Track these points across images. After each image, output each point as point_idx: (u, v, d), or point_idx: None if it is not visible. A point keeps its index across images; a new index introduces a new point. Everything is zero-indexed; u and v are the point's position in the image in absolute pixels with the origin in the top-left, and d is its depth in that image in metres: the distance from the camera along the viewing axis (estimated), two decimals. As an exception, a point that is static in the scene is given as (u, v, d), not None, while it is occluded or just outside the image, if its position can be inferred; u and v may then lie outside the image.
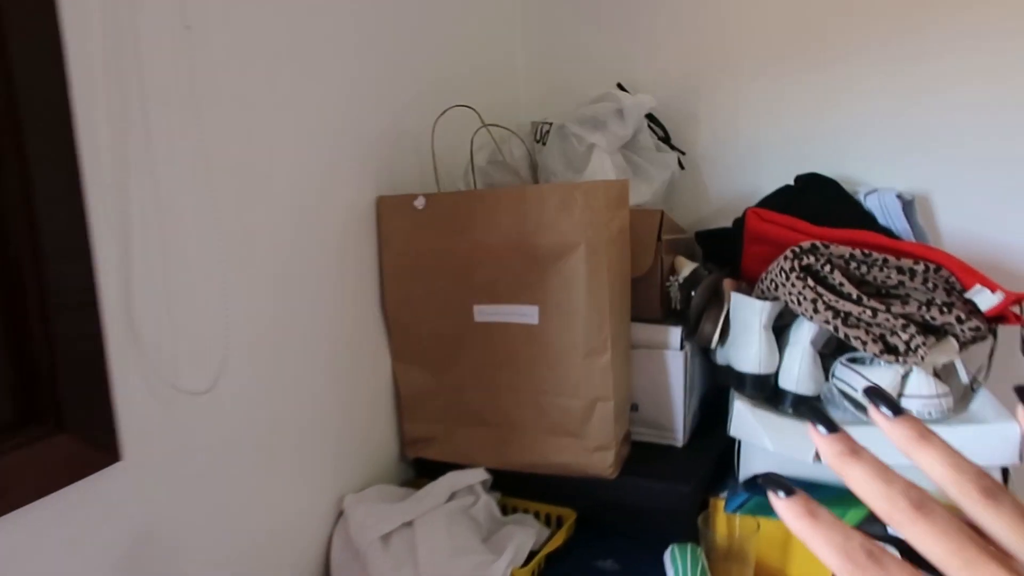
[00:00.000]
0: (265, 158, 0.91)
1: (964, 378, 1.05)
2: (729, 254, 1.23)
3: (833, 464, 0.30)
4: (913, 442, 0.29)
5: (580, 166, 1.17)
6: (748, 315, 1.06)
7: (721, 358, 1.15)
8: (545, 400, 1.07)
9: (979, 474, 0.28)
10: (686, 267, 1.17)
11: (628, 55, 1.40)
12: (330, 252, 1.03)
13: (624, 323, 1.09)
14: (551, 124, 1.20)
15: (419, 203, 1.06)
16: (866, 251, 1.01)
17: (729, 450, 1.09)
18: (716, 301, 1.14)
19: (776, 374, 1.07)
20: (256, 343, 0.91)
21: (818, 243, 1.01)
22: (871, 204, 1.17)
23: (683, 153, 1.36)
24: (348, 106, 1.04)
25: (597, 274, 1.02)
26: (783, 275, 1.01)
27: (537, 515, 1.11)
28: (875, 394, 0.31)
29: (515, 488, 1.12)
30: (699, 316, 1.13)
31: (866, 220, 1.17)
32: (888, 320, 0.97)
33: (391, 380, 1.16)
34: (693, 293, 1.11)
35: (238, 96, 0.86)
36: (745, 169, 1.35)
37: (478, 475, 1.10)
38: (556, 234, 1.02)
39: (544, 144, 1.20)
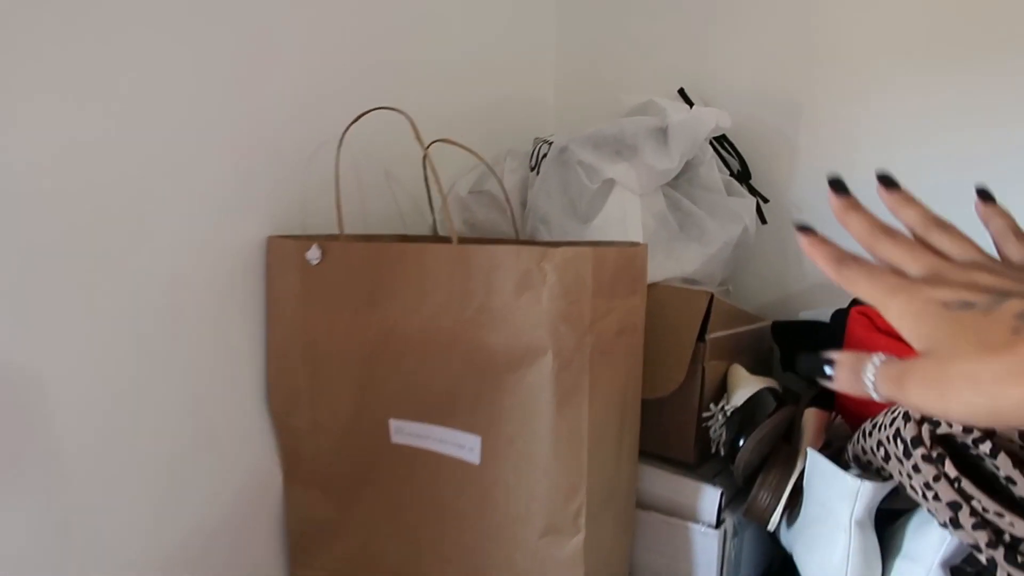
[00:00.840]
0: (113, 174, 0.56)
1: None
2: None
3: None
4: (901, 204, 0.38)
5: (588, 212, 0.76)
6: (831, 495, 0.62)
7: (786, 541, 0.71)
8: (481, 585, 0.67)
9: (936, 217, 0.36)
10: (744, 386, 0.73)
11: (699, 47, 0.96)
12: (202, 317, 0.67)
13: (622, 475, 0.67)
14: (551, 143, 0.79)
15: (312, 255, 0.68)
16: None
17: None
18: (784, 454, 0.70)
19: (873, 601, 0.62)
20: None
21: (973, 396, 0.56)
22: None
23: (766, 200, 0.91)
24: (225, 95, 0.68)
25: (573, 401, 0.61)
26: (900, 445, 0.57)
27: None
28: (884, 178, 0.38)
29: None
30: (752, 475, 0.69)
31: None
32: (1103, 568, 0.50)
33: (282, 504, 0.79)
34: (742, 440, 0.67)
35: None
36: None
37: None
38: (509, 329, 0.61)
39: (537, 173, 0.79)
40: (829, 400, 0.77)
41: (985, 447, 0.54)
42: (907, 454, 0.56)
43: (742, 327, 0.81)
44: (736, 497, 0.72)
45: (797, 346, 0.82)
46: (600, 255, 0.60)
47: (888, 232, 0.35)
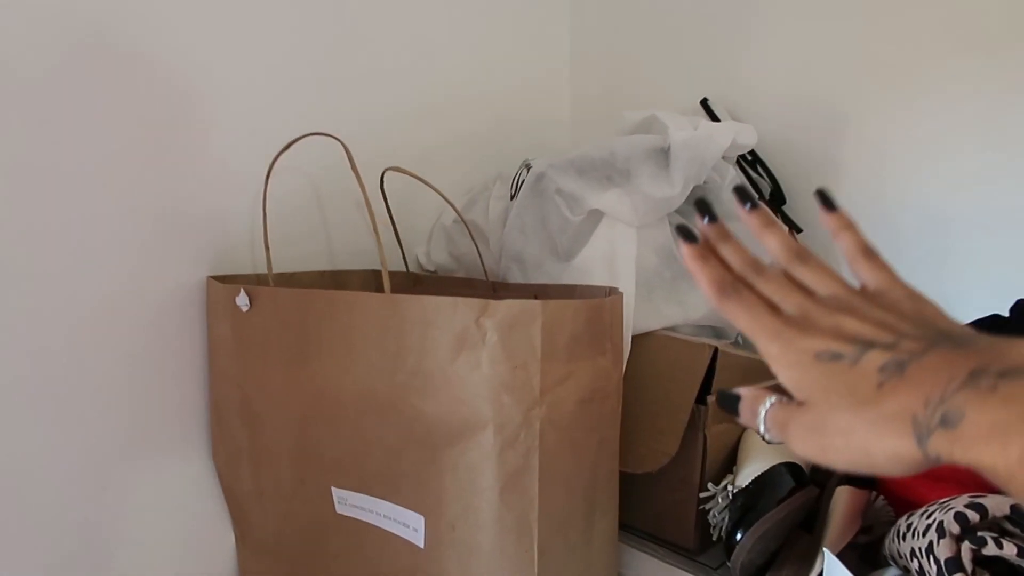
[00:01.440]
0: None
1: None
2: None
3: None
4: (761, 228, 0.37)
5: (570, 249, 0.65)
6: (850, 613, 0.49)
7: (805, 653, 0.58)
8: None
9: (798, 248, 0.36)
10: (755, 460, 0.61)
11: (729, 52, 0.84)
12: (140, 364, 0.61)
13: (594, 566, 0.56)
14: (529, 167, 0.68)
15: (241, 301, 0.60)
16: None
17: None
18: (800, 547, 0.57)
19: None
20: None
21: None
22: None
23: (799, 230, 0.78)
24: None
25: (519, 485, 0.50)
26: (932, 563, 0.43)
27: None
28: (739, 192, 0.37)
29: None
30: (757, 573, 0.57)
31: None
32: None
33: (237, 569, 0.71)
34: (739, 534, 0.55)
35: None
36: (923, 266, 0.74)
37: None
38: (445, 397, 0.52)
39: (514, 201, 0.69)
40: (868, 476, 0.63)
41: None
42: (940, 569, 0.42)
43: (762, 383, 0.68)
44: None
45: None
46: (555, 310, 0.50)
47: (758, 267, 0.36)
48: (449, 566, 0.54)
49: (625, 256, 0.64)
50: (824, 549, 0.52)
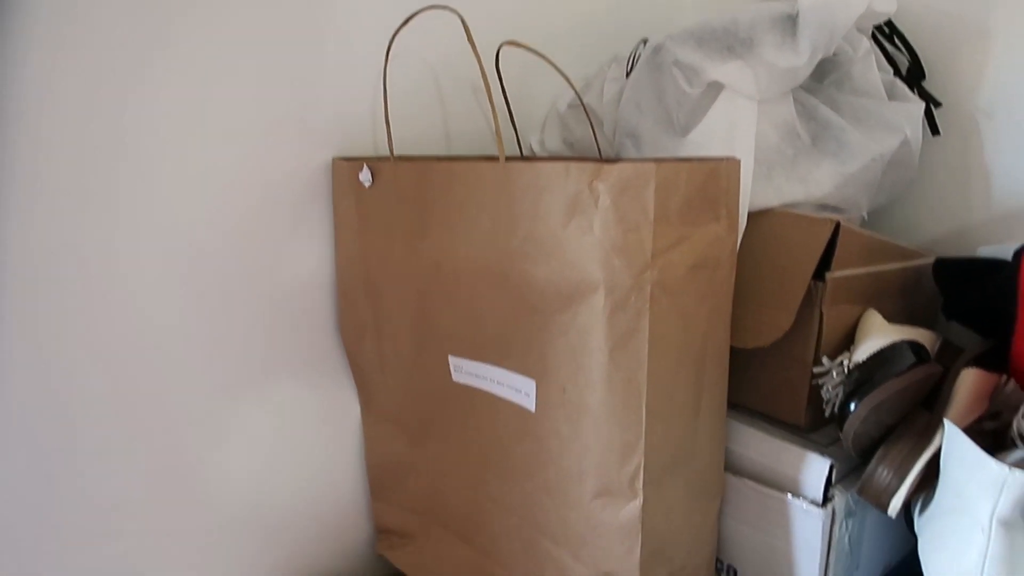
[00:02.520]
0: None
1: None
2: (996, 317, 0.61)
3: None
4: None
5: (687, 123, 0.63)
6: (970, 484, 0.48)
7: (919, 527, 0.57)
8: (541, 543, 0.61)
9: None
10: (874, 336, 0.59)
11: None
12: (272, 243, 0.66)
13: (700, 435, 0.57)
14: (645, 42, 0.66)
15: (364, 177, 0.63)
16: None
17: None
18: (919, 424, 0.56)
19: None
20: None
21: None
22: None
23: (937, 104, 0.72)
24: None
25: (629, 347, 0.51)
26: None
27: None
28: None
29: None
30: (870, 446, 0.56)
31: None
32: None
33: (361, 437, 0.77)
34: (853, 404, 0.54)
35: None
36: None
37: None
38: (557, 262, 0.53)
39: (628, 78, 0.67)
40: (1000, 359, 0.61)
41: None
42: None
43: (888, 264, 0.65)
44: (856, 470, 0.59)
45: (965, 289, 0.65)
46: (669, 172, 0.49)
47: None
48: (559, 427, 0.56)
49: (745, 130, 0.62)
50: (945, 420, 0.50)
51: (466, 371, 0.63)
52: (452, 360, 0.64)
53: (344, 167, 0.66)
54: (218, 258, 0.63)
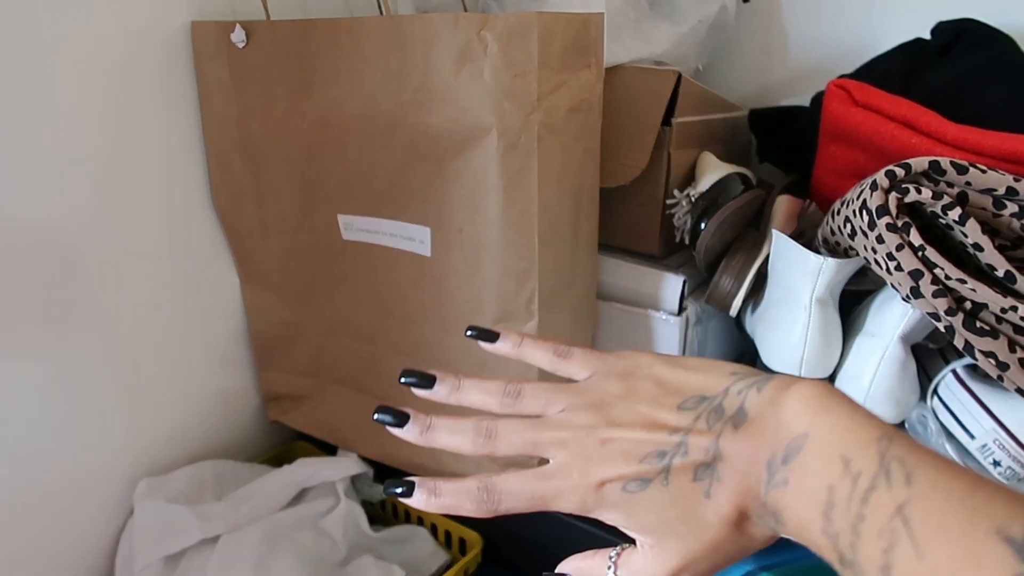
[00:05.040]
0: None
1: None
2: (799, 154, 0.74)
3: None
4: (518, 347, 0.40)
5: (545, -14, 0.69)
6: (794, 275, 0.60)
7: (750, 328, 0.70)
8: (439, 377, 0.67)
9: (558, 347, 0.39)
10: (711, 171, 0.69)
11: None
12: (128, 112, 0.63)
13: (579, 263, 0.65)
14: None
15: (237, 38, 0.63)
16: (1043, 182, 0.51)
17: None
18: (749, 240, 0.68)
19: (832, 379, 0.61)
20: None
21: (944, 161, 0.52)
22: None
23: (748, -26, 0.83)
24: None
25: (521, 183, 0.57)
26: (865, 216, 0.54)
27: (435, 531, 0.74)
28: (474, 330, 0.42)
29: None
30: (715, 262, 0.67)
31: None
32: (1063, 329, 0.49)
33: (243, 311, 0.78)
34: (703, 223, 0.64)
35: None
36: (860, 5, 0.81)
37: (344, 467, 0.73)
38: (450, 109, 0.57)
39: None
40: (804, 188, 0.74)
41: (954, 214, 0.51)
42: (871, 225, 0.53)
43: (716, 114, 0.76)
44: (701, 286, 0.71)
45: (775, 134, 0.77)
46: (549, 21, 0.55)
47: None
48: (458, 266, 0.62)
49: (596, -8, 0.69)
50: (773, 230, 0.62)
51: (357, 228, 0.67)
52: (342, 218, 0.67)
53: (209, 29, 0.64)
54: (78, 131, 0.60)
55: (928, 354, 0.63)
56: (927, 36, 0.70)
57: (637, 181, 0.68)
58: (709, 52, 0.81)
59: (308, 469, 0.72)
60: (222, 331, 0.77)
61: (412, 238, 0.64)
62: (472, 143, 0.57)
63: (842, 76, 0.71)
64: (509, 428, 0.35)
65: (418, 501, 0.34)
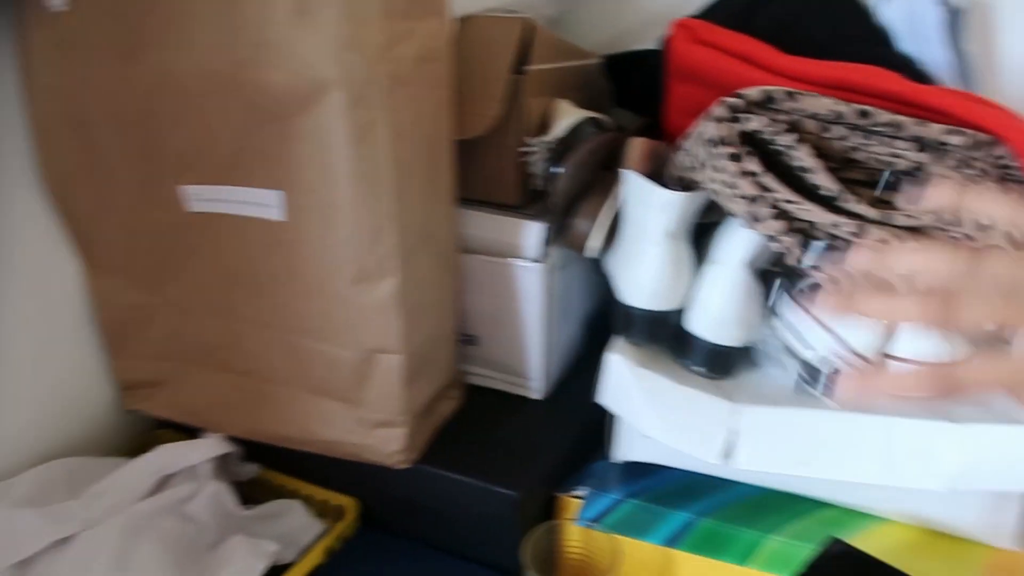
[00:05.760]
0: None
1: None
2: (652, 97, 0.76)
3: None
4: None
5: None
6: (645, 212, 0.62)
7: (609, 267, 0.72)
8: (303, 344, 0.65)
9: None
10: (565, 117, 0.71)
11: None
12: None
13: (437, 216, 0.65)
14: None
15: (56, 1, 0.57)
16: (865, 107, 0.55)
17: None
18: (604, 182, 0.69)
19: (682, 309, 0.64)
20: None
21: (776, 90, 0.55)
22: (891, 14, 0.68)
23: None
24: None
25: (370, 137, 0.56)
26: (707, 146, 0.56)
27: (310, 501, 0.73)
28: None
29: (283, 459, 0.73)
30: (570, 204, 0.68)
31: (876, 44, 0.69)
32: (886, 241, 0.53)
33: (87, 296, 0.72)
34: (559, 167, 0.66)
35: None
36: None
37: (207, 448, 0.70)
38: (291, 64, 0.55)
39: None
40: (657, 130, 0.76)
41: (788, 139, 0.54)
42: (711, 155, 0.55)
43: (570, 62, 0.77)
44: (560, 235, 0.72)
45: (629, 78, 0.79)
46: (386, -33, 0.53)
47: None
48: (311, 227, 0.60)
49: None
50: (624, 171, 0.64)
51: (204, 198, 0.63)
52: (187, 189, 0.63)
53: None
54: None
55: (771, 277, 0.68)
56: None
57: (492, 131, 0.68)
58: (562, 1, 0.81)
59: (168, 455, 0.68)
60: (66, 322, 0.71)
61: (263, 203, 0.61)
62: (317, 98, 0.55)
63: (689, 16, 0.74)
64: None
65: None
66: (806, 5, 0.68)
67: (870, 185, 0.58)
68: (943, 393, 0.35)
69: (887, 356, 0.61)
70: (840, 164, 0.58)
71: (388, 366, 0.63)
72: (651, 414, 0.62)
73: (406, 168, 0.59)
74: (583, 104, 0.77)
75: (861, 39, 0.67)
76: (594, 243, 0.66)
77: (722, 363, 0.64)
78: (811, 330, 0.61)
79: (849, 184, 0.58)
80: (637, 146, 0.72)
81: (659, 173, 0.73)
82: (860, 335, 0.59)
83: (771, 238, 0.55)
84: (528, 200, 0.73)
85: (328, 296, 0.62)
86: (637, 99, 0.79)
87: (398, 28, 0.55)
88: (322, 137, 0.56)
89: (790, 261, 0.55)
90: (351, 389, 0.65)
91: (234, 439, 0.72)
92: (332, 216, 0.59)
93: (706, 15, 0.72)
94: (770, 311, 0.65)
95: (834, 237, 0.54)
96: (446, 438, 0.71)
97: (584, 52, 0.80)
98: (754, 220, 0.55)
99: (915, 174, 0.56)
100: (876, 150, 0.55)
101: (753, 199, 0.54)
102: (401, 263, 0.60)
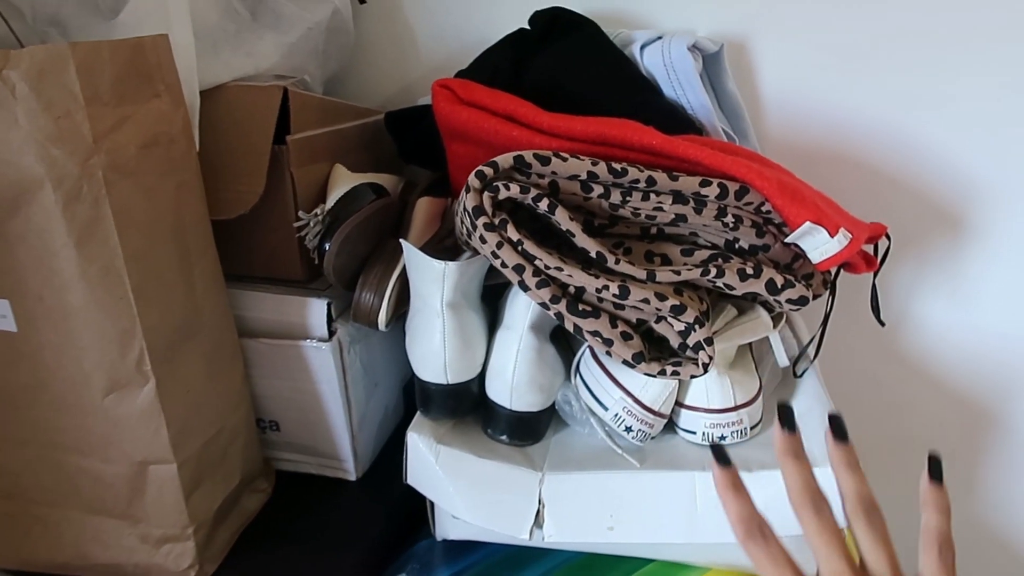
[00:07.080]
0: None
1: (782, 360, 0.64)
2: (435, 152, 0.73)
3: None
4: (842, 466, 0.36)
5: (115, 4, 0.62)
6: (425, 283, 0.59)
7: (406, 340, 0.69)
8: (67, 460, 0.59)
9: (870, 502, 0.35)
10: (340, 185, 0.67)
11: None
12: None
13: (201, 307, 0.59)
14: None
15: None
16: (618, 165, 0.54)
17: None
18: (388, 250, 0.66)
19: (482, 378, 0.62)
20: None
21: (527, 154, 0.53)
22: (651, 61, 0.69)
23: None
24: None
25: (96, 236, 0.51)
26: (468, 218, 0.54)
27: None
28: (834, 421, 0.37)
29: None
30: (353, 278, 0.65)
31: (644, 92, 0.69)
32: (650, 300, 0.52)
33: None
34: (328, 241, 0.62)
35: None
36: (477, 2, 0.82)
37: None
38: (-10, 161, 0.48)
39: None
40: (445, 186, 0.74)
41: (544, 204, 0.52)
42: (473, 225, 0.53)
43: (344, 123, 0.73)
44: (350, 306, 0.68)
45: (409, 133, 0.76)
46: (89, 52, 0.48)
47: (817, 504, 0.34)
48: (48, 338, 0.54)
49: (179, 8, 0.62)
50: (401, 240, 0.60)
51: (-81, 310, 0.55)
52: None
53: None
54: None
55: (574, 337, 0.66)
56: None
57: (263, 206, 0.63)
58: (336, 59, 0.78)
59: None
60: None
61: (-8, 314, 0.54)
62: (27, 199, 0.49)
63: (458, 72, 0.72)
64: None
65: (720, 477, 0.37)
66: (574, 59, 0.67)
67: (642, 239, 0.58)
68: None
69: (678, 404, 0.61)
70: (609, 220, 0.57)
71: (162, 477, 0.57)
72: (455, 494, 0.59)
73: (148, 262, 0.53)
74: (370, 165, 0.74)
75: (629, 90, 0.66)
76: (383, 317, 0.63)
77: (525, 429, 0.62)
78: (603, 387, 0.59)
79: (622, 239, 0.58)
80: (424, 207, 0.70)
81: (451, 232, 0.71)
82: (650, 389, 0.58)
83: (542, 304, 0.53)
84: (316, 275, 0.69)
85: (84, 409, 0.55)
86: (423, 155, 0.76)
87: (110, 116, 0.49)
88: (41, 239, 0.50)
89: (568, 327, 0.54)
90: (127, 505, 0.58)
91: (3, 571, 0.63)
92: (68, 324, 0.53)
93: (476, 69, 0.70)
94: (575, 370, 0.63)
95: (601, 300, 0.53)
96: (254, 536, 0.66)
97: (362, 110, 0.77)
98: (523, 288, 0.53)
99: (679, 224, 0.56)
100: (638, 205, 0.54)
101: (518, 268, 0.52)
102: (159, 367, 0.54)
